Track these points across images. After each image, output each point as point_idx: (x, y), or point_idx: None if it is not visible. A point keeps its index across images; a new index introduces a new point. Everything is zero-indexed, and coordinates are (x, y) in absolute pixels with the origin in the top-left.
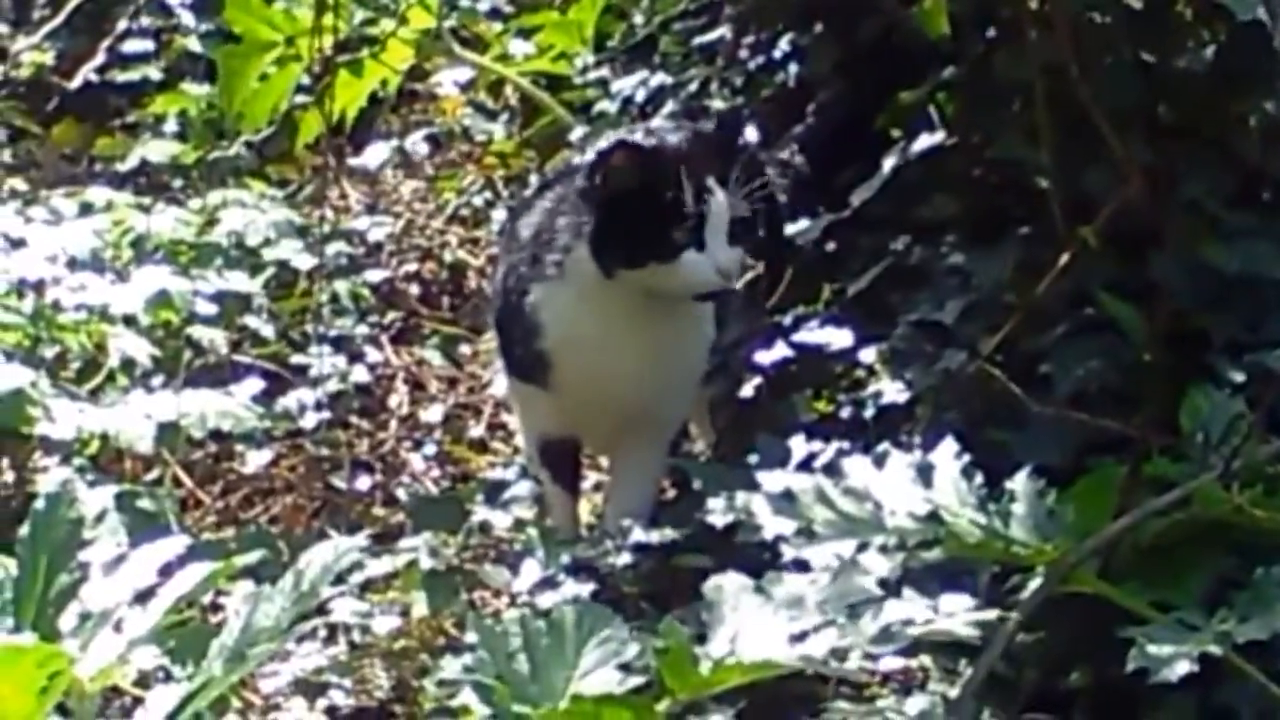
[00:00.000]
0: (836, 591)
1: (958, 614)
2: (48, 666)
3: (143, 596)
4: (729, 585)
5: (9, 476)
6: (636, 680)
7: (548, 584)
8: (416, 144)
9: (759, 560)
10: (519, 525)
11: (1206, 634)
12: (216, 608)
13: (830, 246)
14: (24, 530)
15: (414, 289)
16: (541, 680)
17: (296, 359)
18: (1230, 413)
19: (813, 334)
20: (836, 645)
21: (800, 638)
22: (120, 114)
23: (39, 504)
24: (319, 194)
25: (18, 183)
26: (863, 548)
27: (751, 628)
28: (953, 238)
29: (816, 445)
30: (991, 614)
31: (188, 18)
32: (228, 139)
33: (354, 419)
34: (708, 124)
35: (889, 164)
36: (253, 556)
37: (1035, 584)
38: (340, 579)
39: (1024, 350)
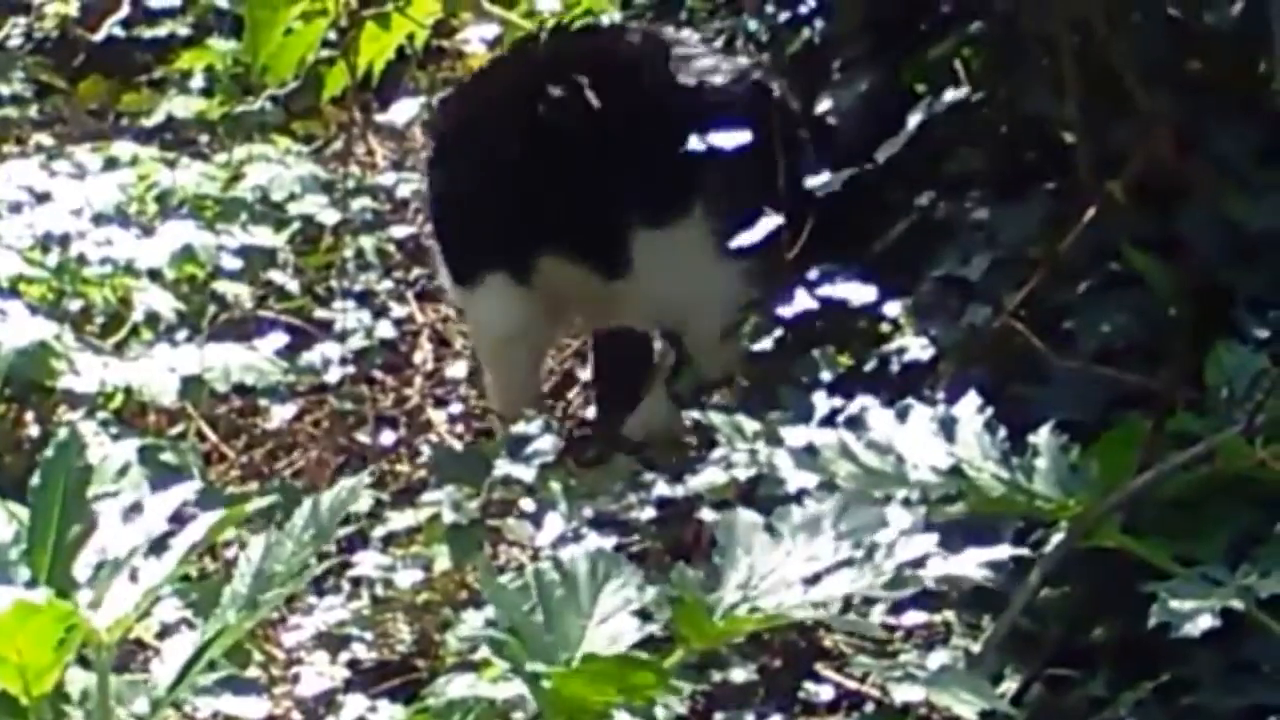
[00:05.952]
0: (852, 521)
1: (974, 559)
2: (62, 622)
3: (158, 545)
4: (739, 524)
5: (34, 430)
6: (653, 628)
7: (571, 538)
8: None
9: None
10: (542, 479)
11: (1229, 589)
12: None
13: (855, 201)
14: (35, 479)
15: None
16: (556, 630)
17: (321, 314)
18: (1254, 368)
19: (837, 289)
20: (852, 590)
21: (814, 580)
22: (146, 69)
23: (48, 452)
24: (345, 150)
25: (44, 138)
26: (885, 501)
27: (765, 571)
28: (978, 193)
29: (840, 400)
30: (1006, 556)
31: None
32: (254, 95)
33: (378, 374)
34: None
35: (915, 119)
36: (265, 501)
37: (1058, 539)
38: (363, 533)
39: (1049, 305)
